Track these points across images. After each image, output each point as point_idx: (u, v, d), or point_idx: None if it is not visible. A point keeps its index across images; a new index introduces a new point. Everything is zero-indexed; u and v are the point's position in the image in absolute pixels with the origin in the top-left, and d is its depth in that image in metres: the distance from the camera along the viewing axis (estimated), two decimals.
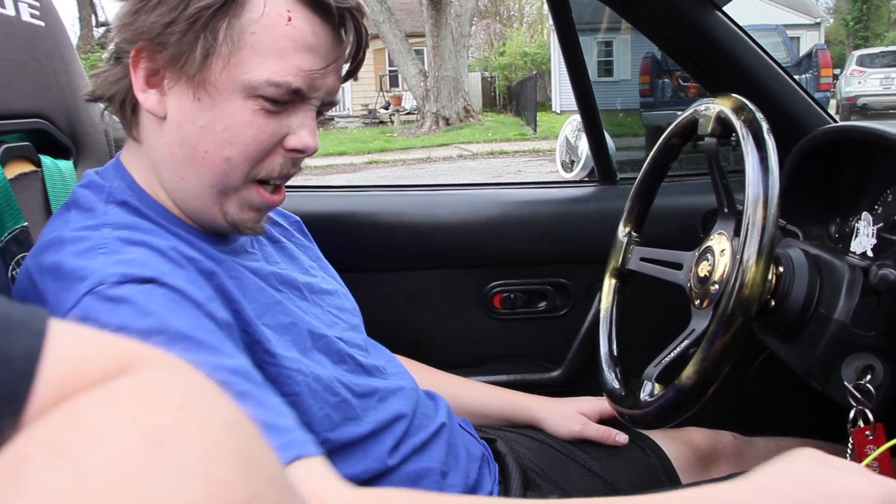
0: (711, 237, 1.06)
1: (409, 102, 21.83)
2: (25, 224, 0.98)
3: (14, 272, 0.95)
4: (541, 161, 12.64)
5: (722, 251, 1.01)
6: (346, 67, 0.93)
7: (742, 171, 0.94)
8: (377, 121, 21.80)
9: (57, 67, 1.11)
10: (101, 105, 0.96)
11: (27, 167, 1.04)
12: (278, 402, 0.80)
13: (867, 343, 0.99)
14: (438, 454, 1.06)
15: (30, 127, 1.05)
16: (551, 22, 1.76)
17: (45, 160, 1.07)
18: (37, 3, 1.07)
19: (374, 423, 0.99)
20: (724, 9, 1.49)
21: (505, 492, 1.15)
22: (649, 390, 1.02)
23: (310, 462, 0.76)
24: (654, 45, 1.58)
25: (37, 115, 1.06)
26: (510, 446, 1.23)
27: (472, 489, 1.10)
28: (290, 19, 0.83)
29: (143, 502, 0.24)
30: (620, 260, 1.27)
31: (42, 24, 1.08)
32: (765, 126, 0.95)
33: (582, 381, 1.69)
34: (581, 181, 1.87)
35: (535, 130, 17.30)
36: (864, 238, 1.17)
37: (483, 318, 1.74)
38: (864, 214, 1.19)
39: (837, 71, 15.67)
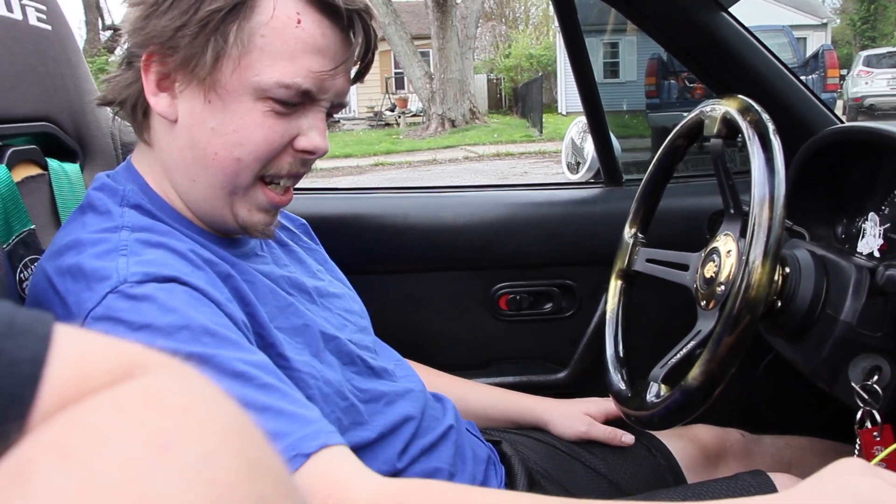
0: (717, 238, 1.05)
1: (414, 104, 21.84)
2: (33, 227, 0.99)
3: (22, 274, 0.95)
4: (547, 163, 12.63)
5: (728, 252, 1.01)
6: (354, 69, 0.94)
7: (748, 172, 0.93)
8: (383, 123, 21.80)
9: (63, 71, 1.11)
10: (110, 109, 0.97)
11: (34, 170, 1.05)
12: (301, 395, 0.81)
13: (874, 344, 0.99)
14: (446, 455, 1.07)
15: (36, 130, 1.06)
16: (557, 24, 1.76)
17: (52, 163, 1.08)
18: (43, 7, 1.07)
19: (382, 428, 0.99)
20: (730, 10, 1.48)
21: (511, 490, 1.15)
22: (655, 391, 1.02)
23: (336, 450, 0.77)
24: (659, 46, 1.58)
25: (43, 118, 1.07)
26: (515, 448, 1.23)
27: None
28: (299, 21, 0.84)
29: None
30: (626, 261, 1.27)
31: (49, 27, 1.08)
32: (771, 127, 0.95)
33: (588, 382, 1.69)
34: (587, 182, 1.87)
35: (541, 132, 17.29)
36: (870, 239, 1.17)
37: (489, 319, 1.73)
38: (871, 215, 1.18)
39: (844, 71, 15.62)
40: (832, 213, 1.30)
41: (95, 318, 0.76)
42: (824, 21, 22.41)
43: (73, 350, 0.31)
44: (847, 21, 32.47)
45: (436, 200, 1.75)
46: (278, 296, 0.94)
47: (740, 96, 1.03)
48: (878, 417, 0.98)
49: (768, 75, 1.50)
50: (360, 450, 0.96)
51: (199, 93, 0.85)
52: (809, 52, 12.12)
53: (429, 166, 13.48)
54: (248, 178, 0.88)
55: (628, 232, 1.28)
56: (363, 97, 23.36)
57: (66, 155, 1.12)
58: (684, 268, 1.11)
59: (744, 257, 0.89)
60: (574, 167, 1.96)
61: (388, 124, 21.65)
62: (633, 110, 10.47)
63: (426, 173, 12.73)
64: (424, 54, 20.04)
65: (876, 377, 0.98)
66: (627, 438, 1.29)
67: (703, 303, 1.02)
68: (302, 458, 0.74)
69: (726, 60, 1.51)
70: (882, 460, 0.92)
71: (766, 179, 0.90)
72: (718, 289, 0.99)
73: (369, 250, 1.66)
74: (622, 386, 1.14)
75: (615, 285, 1.27)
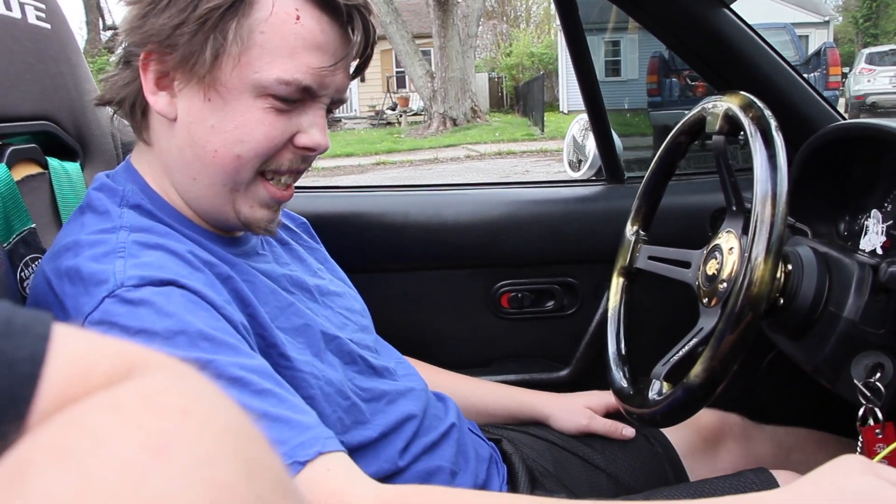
0: (720, 235, 1.05)
1: (416, 103, 21.84)
2: (33, 226, 0.99)
3: (23, 273, 0.95)
4: (548, 161, 12.63)
5: (730, 249, 1.01)
6: (354, 65, 0.94)
7: (750, 169, 0.93)
8: (384, 122, 21.81)
9: (63, 70, 1.11)
10: (110, 109, 0.96)
11: (34, 169, 1.05)
12: (299, 400, 0.81)
13: (877, 341, 0.98)
14: (448, 454, 1.07)
15: (36, 129, 1.06)
16: (558, 22, 1.75)
17: (53, 162, 1.08)
18: (42, 6, 1.07)
19: (384, 427, 0.99)
20: (733, 7, 1.48)
21: (513, 492, 1.15)
22: (658, 389, 1.02)
23: (333, 458, 0.77)
24: (661, 44, 1.57)
25: (43, 117, 1.07)
26: (515, 446, 1.23)
27: (481, 489, 1.10)
28: (298, 18, 0.84)
29: None
30: (628, 259, 1.27)
31: (48, 26, 1.08)
32: (773, 123, 0.95)
33: (590, 380, 1.69)
34: (589, 180, 1.86)
35: (543, 130, 17.29)
36: (873, 236, 1.17)
37: (491, 317, 1.73)
38: (874, 212, 1.18)
39: (846, 69, 15.60)
40: (834, 210, 1.30)
41: (93, 323, 0.76)
42: (826, 19, 22.40)
43: (71, 350, 0.31)
44: (849, 19, 32.43)
45: (437, 199, 1.75)
46: (279, 296, 0.94)
47: (742, 93, 1.03)
48: (880, 415, 0.97)
49: (770, 72, 1.50)
50: (362, 449, 0.96)
51: (198, 91, 0.85)
52: (812, 50, 12.10)
53: (430, 165, 13.48)
54: (248, 174, 0.88)
55: (630, 229, 1.28)
56: (365, 96, 23.36)
57: (67, 154, 1.12)
58: (686, 265, 1.11)
59: (746, 254, 0.89)
60: (576, 165, 1.96)
61: (389, 123, 21.66)
62: (634, 108, 10.45)
63: (428, 172, 12.73)
64: (426, 53, 20.03)
65: (878, 374, 0.98)
66: (628, 431, 1.30)
67: (705, 300, 1.02)
68: (298, 466, 0.74)
69: (728, 57, 1.50)
70: (884, 458, 0.91)
71: (768, 176, 0.90)
72: (720, 286, 0.99)
73: (370, 249, 1.66)
74: (624, 384, 1.14)
75: (617, 283, 1.27)
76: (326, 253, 1.21)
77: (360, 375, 1.01)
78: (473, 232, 1.69)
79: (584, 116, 1.82)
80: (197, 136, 0.86)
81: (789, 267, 1.05)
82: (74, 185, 1.10)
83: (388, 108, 22.57)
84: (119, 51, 0.91)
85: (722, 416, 1.39)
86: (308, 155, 0.92)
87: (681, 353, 1.01)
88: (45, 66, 1.07)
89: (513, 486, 1.16)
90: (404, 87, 23.38)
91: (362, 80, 0.98)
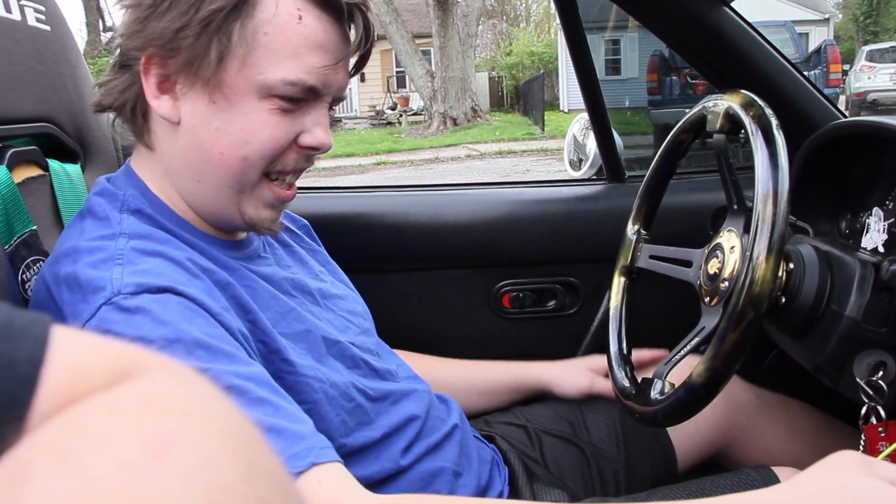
0: (721, 234, 1.05)
1: (416, 103, 21.84)
2: (34, 228, 0.99)
3: (24, 275, 0.95)
4: (549, 160, 12.62)
5: (732, 248, 1.00)
6: (352, 62, 0.94)
7: (751, 168, 0.93)
8: (385, 122, 21.81)
9: (63, 71, 1.11)
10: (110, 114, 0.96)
11: (35, 171, 1.05)
12: (296, 408, 0.80)
13: (879, 339, 0.98)
14: (451, 455, 1.07)
15: (37, 131, 1.06)
16: (558, 21, 1.75)
17: (53, 164, 1.07)
18: (42, 8, 1.07)
19: (388, 427, 0.99)
20: (733, 5, 1.48)
21: (514, 490, 1.16)
22: (659, 388, 1.02)
23: (327, 468, 0.76)
24: (662, 42, 1.57)
25: (43, 119, 1.07)
26: (508, 442, 1.24)
27: (484, 490, 1.11)
28: (300, 18, 0.84)
29: None
30: (629, 258, 1.27)
31: (48, 28, 1.08)
32: (774, 122, 0.94)
33: None
34: (589, 179, 1.86)
35: (543, 130, 17.29)
36: (874, 234, 1.17)
37: (492, 317, 1.73)
38: (875, 210, 1.18)
39: (847, 67, 15.59)
40: (836, 209, 1.30)
41: (90, 330, 0.76)
42: (826, 16, 22.38)
43: (70, 352, 0.31)
44: (849, 16, 32.40)
45: (437, 198, 1.75)
46: (280, 301, 0.94)
47: (743, 91, 1.03)
48: (882, 413, 0.97)
49: (771, 70, 1.49)
50: (365, 449, 0.96)
51: (202, 93, 0.85)
52: (812, 48, 12.09)
53: (431, 165, 13.48)
54: (254, 175, 0.88)
55: (631, 229, 1.28)
56: (365, 96, 23.35)
57: (67, 156, 1.12)
58: (688, 264, 1.11)
59: (747, 253, 0.88)
60: (576, 164, 1.95)
61: (389, 123, 21.65)
62: (635, 107, 10.45)
63: (428, 172, 12.73)
64: (426, 53, 20.02)
65: (881, 373, 0.98)
66: None
67: (706, 299, 1.02)
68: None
69: (729, 56, 1.50)
70: (887, 456, 0.91)
71: (769, 175, 0.90)
72: (722, 285, 0.98)
73: (371, 249, 1.66)
74: (626, 383, 1.14)
75: (618, 282, 1.27)
76: (328, 255, 1.21)
77: (364, 378, 1.01)
78: (474, 232, 1.68)
79: (585, 115, 1.82)
80: (202, 139, 0.86)
81: (791, 265, 1.05)
82: (75, 187, 1.10)
83: (388, 108, 22.55)
84: (115, 55, 0.90)
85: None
86: (312, 154, 0.92)
87: (683, 352, 1.01)
88: (45, 68, 1.07)
89: (513, 487, 1.16)
90: (404, 86, 23.36)
91: (362, 79, 0.99)
